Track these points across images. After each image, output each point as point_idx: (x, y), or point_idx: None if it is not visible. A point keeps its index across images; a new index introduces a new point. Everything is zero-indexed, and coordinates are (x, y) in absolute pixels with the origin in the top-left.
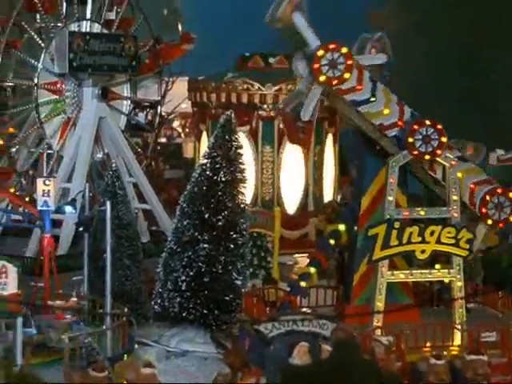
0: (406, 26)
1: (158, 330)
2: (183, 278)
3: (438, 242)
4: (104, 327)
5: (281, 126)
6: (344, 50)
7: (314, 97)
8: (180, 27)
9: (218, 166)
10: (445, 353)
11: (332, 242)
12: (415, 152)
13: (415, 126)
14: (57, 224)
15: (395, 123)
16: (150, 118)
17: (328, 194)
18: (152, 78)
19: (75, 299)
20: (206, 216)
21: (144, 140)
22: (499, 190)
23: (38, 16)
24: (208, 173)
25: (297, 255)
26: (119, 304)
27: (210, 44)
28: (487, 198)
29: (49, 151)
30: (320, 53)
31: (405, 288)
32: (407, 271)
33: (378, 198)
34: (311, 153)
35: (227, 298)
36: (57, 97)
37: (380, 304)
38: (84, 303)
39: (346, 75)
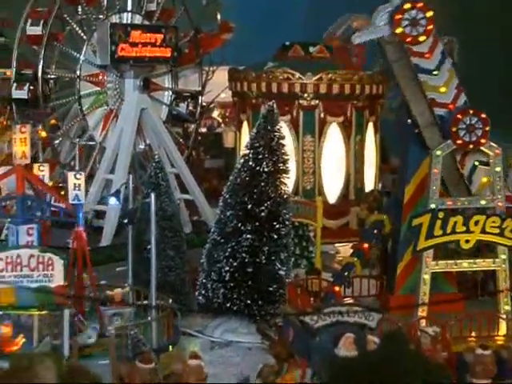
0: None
1: (202, 321)
2: (227, 268)
3: (483, 231)
4: (149, 318)
5: (321, 115)
6: (429, 13)
7: (378, 32)
8: (219, 17)
9: (260, 156)
10: (490, 343)
11: (375, 231)
12: (459, 141)
13: (459, 115)
14: (100, 215)
15: (446, 104)
16: (191, 108)
17: (369, 183)
18: (192, 68)
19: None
20: (249, 207)
21: (185, 130)
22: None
23: (79, 8)
24: (251, 163)
25: (338, 244)
26: (164, 295)
27: (249, 33)
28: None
29: (91, 143)
30: (407, 6)
31: (449, 277)
32: (452, 261)
33: (422, 187)
34: (352, 142)
35: (271, 289)
36: (99, 88)
37: (425, 294)
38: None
39: (422, 38)
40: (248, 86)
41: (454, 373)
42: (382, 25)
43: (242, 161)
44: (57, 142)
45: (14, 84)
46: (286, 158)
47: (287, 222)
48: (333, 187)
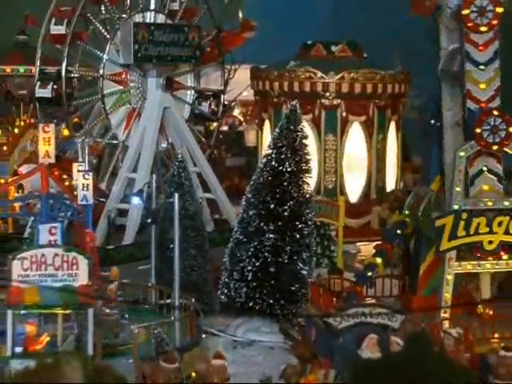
0: None
1: (224, 320)
2: (249, 268)
3: (506, 232)
4: (172, 318)
5: (343, 114)
6: (499, 9)
7: None
8: (241, 15)
9: (283, 156)
10: None
11: (398, 231)
12: (483, 142)
13: (483, 117)
14: (123, 213)
15: (480, 101)
16: (213, 107)
17: (391, 182)
18: (214, 66)
19: None
20: (272, 206)
21: (206, 128)
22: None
23: (103, 7)
24: (273, 163)
25: (359, 244)
26: (186, 294)
27: (270, 31)
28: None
29: (114, 141)
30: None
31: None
32: (475, 262)
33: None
34: (374, 141)
35: (293, 288)
36: (122, 87)
37: (448, 295)
38: None
39: (483, 28)
40: (270, 85)
41: (477, 374)
42: None
43: (264, 160)
44: (79, 140)
45: (38, 83)
46: (308, 157)
47: (310, 222)
48: (354, 186)
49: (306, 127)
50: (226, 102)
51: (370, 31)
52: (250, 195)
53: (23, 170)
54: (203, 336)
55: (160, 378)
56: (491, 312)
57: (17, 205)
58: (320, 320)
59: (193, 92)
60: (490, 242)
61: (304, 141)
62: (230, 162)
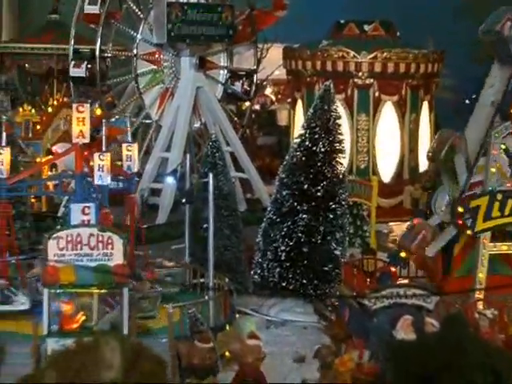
0: None
1: (258, 300)
2: (283, 248)
3: None
4: (206, 297)
5: (376, 94)
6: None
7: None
8: None
9: (317, 136)
10: None
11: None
12: None
13: None
14: (155, 192)
15: None
16: (245, 86)
17: (423, 162)
18: (246, 46)
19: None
20: (305, 186)
21: (238, 108)
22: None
23: None
24: (307, 143)
25: (392, 223)
26: (220, 274)
27: (302, 10)
28: (460, 210)
29: (147, 121)
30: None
31: (505, 259)
32: (510, 243)
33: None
34: (406, 120)
35: (326, 268)
36: (155, 67)
37: (482, 276)
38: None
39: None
40: (303, 65)
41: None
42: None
43: (298, 141)
44: (113, 119)
45: (72, 62)
46: (342, 137)
47: (343, 202)
48: (387, 166)
49: (339, 107)
50: (258, 81)
51: (401, 9)
52: (283, 175)
53: (56, 149)
54: (237, 315)
55: (195, 358)
56: None
57: (50, 183)
58: (354, 301)
59: (225, 71)
60: None
61: (338, 121)
62: (261, 141)
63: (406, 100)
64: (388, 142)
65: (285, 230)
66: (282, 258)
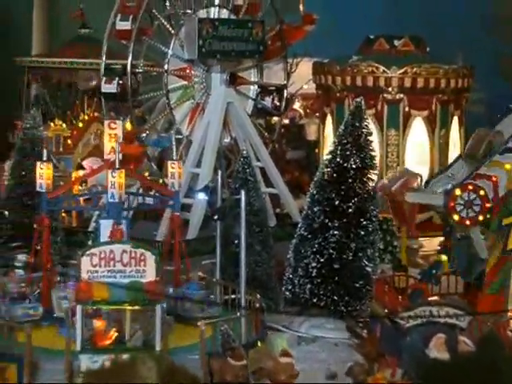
0: None
1: (288, 316)
2: (314, 264)
3: None
4: (238, 314)
5: (406, 109)
6: (470, 186)
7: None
8: (301, 8)
9: (348, 153)
10: None
11: None
12: None
13: None
14: (186, 208)
15: None
16: (275, 101)
17: None
18: (276, 60)
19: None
20: (337, 203)
21: (267, 122)
22: (470, 187)
23: (167, 3)
24: (338, 160)
25: (421, 239)
26: (251, 290)
27: (331, 24)
28: (457, 192)
29: (178, 136)
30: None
31: None
32: None
33: None
34: (436, 136)
35: (357, 285)
36: (186, 82)
37: None
38: None
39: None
40: (332, 80)
41: None
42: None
43: (329, 157)
44: (144, 135)
45: (104, 78)
46: (373, 154)
47: (374, 219)
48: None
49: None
50: (287, 96)
51: (430, 24)
52: (314, 191)
53: (87, 163)
54: (268, 332)
55: (228, 375)
56: None
57: (81, 198)
58: (387, 319)
59: (256, 87)
60: None
61: (370, 138)
62: (289, 155)
63: (435, 115)
64: (418, 157)
65: (316, 246)
66: (313, 274)
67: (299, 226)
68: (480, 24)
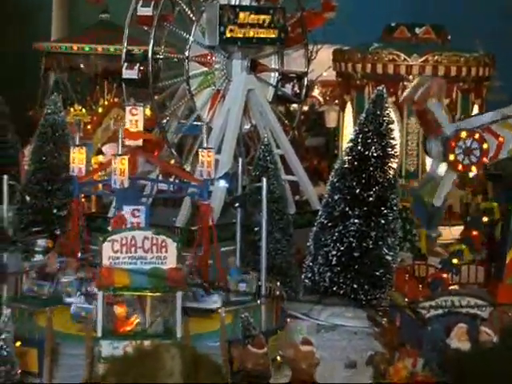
0: None
1: (308, 304)
2: (334, 252)
3: None
4: (259, 302)
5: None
6: (476, 135)
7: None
8: None
9: (369, 141)
10: None
11: (485, 219)
12: None
13: None
14: None
15: None
16: (295, 89)
17: None
18: (296, 47)
19: None
20: (357, 191)
21: (286, 108)
22: (476, 136)
23: None
24: (359, 148)
25: (440, 227)
26: (271, 278)
27: (351, 11)
28: (462, 135)
29: (198, 123)
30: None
31: None
32: None
33: None
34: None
35: (377, 273)
36: (207, 69)
37: None
38: None
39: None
40: (353, 67)
41: None
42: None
43: (350, 145)
44: (164, 121)
45: (125, 64)
46: (394, 142)
47: (395, 207)
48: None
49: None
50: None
51: (450, 11)
52: (335, 179)
53: (106, 148)
54: (287, 320)
55: (249, 363)
56: None
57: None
58: (408, 308)
59: (276, 74)
60: None
61: (391, 126)
62: (308, 142)
63: (456, 103)
64: None
65: (336, 234)
66: (333, 262)
67: (319, 213)
68: (501, 12)
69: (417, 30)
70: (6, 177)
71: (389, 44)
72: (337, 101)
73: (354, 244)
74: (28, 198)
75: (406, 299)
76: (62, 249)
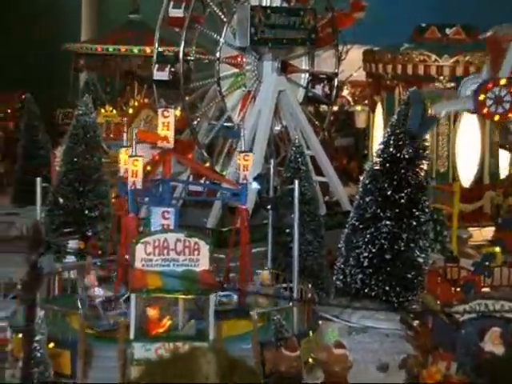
0: None
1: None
2: (365, 254)
3: None
4: (291, 304)
5: None
6: None
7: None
8: None
9: (400, 142)
10: None
11: None
12: None
13: None
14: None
15: None
16: (326, 90)
17: (504, 168)
18: (326, 48)
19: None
20: (389, 193)
21: (316, 109)
22: (503, 81)
23: None
24: (391, 149)
25: (471, 228)
26: (303, 279)
27: (381, 11)
28: (489, 86)
29: (229, 124)
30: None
31: None
32: None
33: None
34: (487, 125)
35: (409, 276)
36: (237, 70)
37: None
38: None
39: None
40: (383, 68)
41: None
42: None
43: (381, 147)
44: (195, 122)
45: (156, 65)
46: (426, 144)
47: (426, 209)
48: (467, 171)
49: None
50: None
51: (480, 10)
52: (366, 181)
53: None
54: (319, 322)
55: (282, 366)
56: None
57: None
58: (442, 312)
59: (307, 75)
60: None
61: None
62: (338, 142)
63: None
64: (468, 146)
65: (368, 236)
66: (365, 264)
67: (351, 215)
68: None
69: (447, 31)
70: (39, 179)
71: (419, 45)
72: (366, 101)
73: (385, 246)
74: (61, 200)
75: (438, 302)
76: (93, 250)
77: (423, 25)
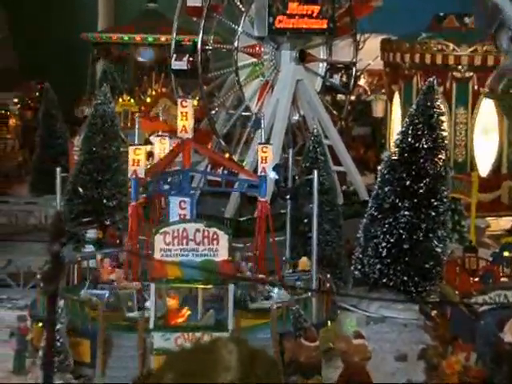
0: None
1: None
2: (384, 244)
3: None
4: (309, 294)
5: (475, 87)
6: None
7: None
8: None
9: (419, 132)
10: None
11: None
12: None
13: None
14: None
15: None
16: (343, 79)
17: None
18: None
19: None
20: (407, 183)
21: (333, 98)
22: None
23: None
24: (409, 140)
25: (489, 218)
26: (321, 269)
27: (400, 1)
28: None
29: (247, 113)
30: None
31: None
32: None
33: None
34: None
35: (427, 266)
36: (255, 60)
37: None
38: None
39: None
40: (401, 57)
41: None
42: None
43: (400, 137)
44: (213, 112)
45: (174, 55)
46: (444, 134)
47: (445, 199)
48: (485, 160)
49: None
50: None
51: None
52: (385, 171)
53: (153, 139)
54: (338, 311)
55: (301, 356)
56: None
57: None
58: (461, 301)
59: (325, 64)
60: None
61: (442, 118)
62: (355, 131)
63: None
64: (486, 136)
65: (386, 226)
66: (383, 254)
67: (369, 205)
68: None
69: (466, 20)
70: (58, 169)
71: (438, 34)
72: (383, 90)
73: (403, 236)
74: (80, 190)
75: (457, 292)
76: (112, 239)
77: (441, 14)
